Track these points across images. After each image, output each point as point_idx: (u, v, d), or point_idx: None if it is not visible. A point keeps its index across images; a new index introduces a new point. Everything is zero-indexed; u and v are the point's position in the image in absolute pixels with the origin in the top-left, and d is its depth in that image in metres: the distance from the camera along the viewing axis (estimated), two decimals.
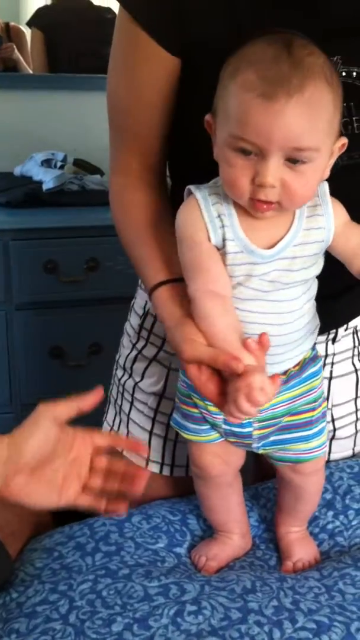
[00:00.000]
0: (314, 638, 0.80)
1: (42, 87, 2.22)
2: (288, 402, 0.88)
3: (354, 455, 1.14)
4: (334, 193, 0.81)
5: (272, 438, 0.90)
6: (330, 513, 1.02)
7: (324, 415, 0.93)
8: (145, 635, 0.80)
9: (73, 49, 2.33)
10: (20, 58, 2.31)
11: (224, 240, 0.78)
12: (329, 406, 1.09)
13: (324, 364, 1.07)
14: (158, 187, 0.96)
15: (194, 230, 0.79)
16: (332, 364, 1.08)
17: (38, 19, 2.31)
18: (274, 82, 0.68)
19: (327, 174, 0.78)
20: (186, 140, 0.92)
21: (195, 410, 0.90)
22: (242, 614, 0.83)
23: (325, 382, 1.08)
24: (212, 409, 0.87)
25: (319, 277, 0.84)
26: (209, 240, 0.79)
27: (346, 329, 1.07)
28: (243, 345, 0.75)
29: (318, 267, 0.83)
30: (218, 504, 0.98)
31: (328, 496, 1.04)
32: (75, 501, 0.77)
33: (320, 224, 0.79)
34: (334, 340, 1.06)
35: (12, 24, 2.31)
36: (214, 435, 0.91)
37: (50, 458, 0.74)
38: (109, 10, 2.22)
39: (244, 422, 0.86)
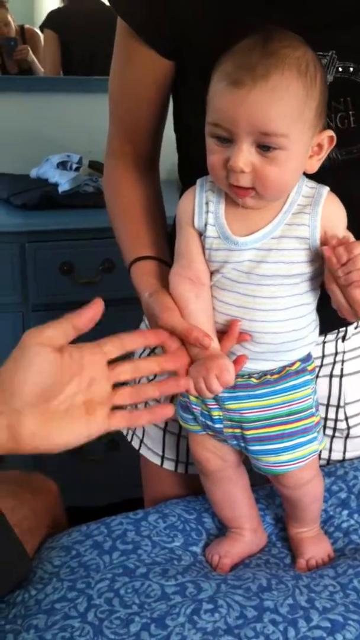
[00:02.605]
0: (328, 637, 0.80)
1: (57, 90, 2.24)
2: (258, 411, 0.88)
3: None
4: (334, 189, 0.82)
5: (243, 446, 0.91)
6: (345, 512, 1.03)
7: (304, 430, 0.89)
8: (162, 634, 0.81)
9: (87, 50, 2.36)
10: (35, 60, 2.33)
11: (205, 224, 0.82)
12: (342, 404, 1.09)
13: (334, 362, 1.07)
14: (148, 172, 1.02)
15: (183, 213, 0.85)
16: (343, 361, 1.08)
17: (51, 21, 2.34)
18: (242, 69, 0.72)
19: (314, 167, 0.80)
20: (185, 139, 0.96)
21: (183, 400, 0.93)
22: (257, 612, 0.84)
23: (336, 380, 1.08)
24: (192, 399, 0.90)
25: None
26: (193, 223, 0.83)
27: (356, 327, 1.08)
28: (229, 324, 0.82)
29: (306, 267, 0.82)
30: (223, 499, 0.99)
31: (343, 495, 1.05)
32: (109, 425, 0.68)
33: (304, 221, 0.80)
34: (343, 339, 1.07)
35: (26, 26, 2.33)
36: (197, 426, 0.93)
37: (57, 388, 0.65)
38: None
39: (215, 418, 0.90)
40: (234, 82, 0.72)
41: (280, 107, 0.73)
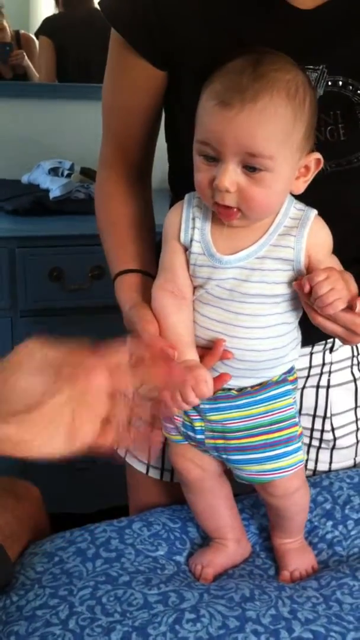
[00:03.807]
0: None
1: (51, 96, 2.24)
2: (240, 421, 0.88)
3: (355, 465, 1.15)
4: (324, 199, 0.82)
5: (225, 457, 0.91)
6: (330, 523, 1.03)
7: (288, 440, 0.89)
8: None
9: (82, 57, 2.35)
10: (30, 65, 2.33)
11: (191, 240, 0.83)
12: (328, 415, 1.10)
13: (321, 373, 1.08)
14: (139, 183, 1.03)
15: (169, 227, 0.86)
16: (330, 372, 1.09)
17: (47, 28, 2.33)
18: (232, 91, 0.74)
19: (300, 188, 0.81)
20: (181, 151, 0.96)
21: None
22: (239, 622, 0.84)
23: (323, 391, 1.09)
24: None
25: None
26: (179, 238, 0.84)
27: None
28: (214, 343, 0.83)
29: (288, 288, 0.82)
30: (205, 510, 0.99)
31: (328, 506, 1.05)
32: (96, 441, 0.65)
33: (289, 244, 0.81)
34: (331, 350, 1.07)
35: (22, 32, 2.33)
36: (179, 436, 0.94)
37: (46, 397, 0.63)
38: None
39: (197, 429, 0.90)
40: (223, 103, 0.73)
41: (268, 129, 0.74)
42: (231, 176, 0.75)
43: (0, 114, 2.17)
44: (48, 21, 2.34)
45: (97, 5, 2.29)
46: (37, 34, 2.33)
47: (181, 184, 0.87)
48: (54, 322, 1.80)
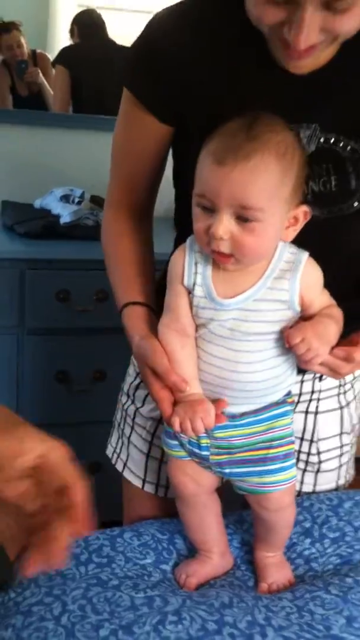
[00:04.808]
0: None
1: (65, 126, 2.33)
2: (243, 437, 0.96)
3: (337, 488, 1.22)
4: (320, 242, 0.90)
5: (228, 470, 0.99)
6: (308, 540, 1.10)
7: (285, 456, 0.98)
8: None
9: (96, 87, 2.43)
10: (45, 83, 2.41)
11: (194, 284, 0.91)
12: (315, 439, 1.17)
13: (310, 400, 1.16)
14: (143, 222, 1.12)
15: (173, 270, 0.94)
16: (319, 400, 1.17)
17: (63, 58, 2.41)
18: (227, 150, 0.82)
19: (290, 236, 0.90)
20: (185, 195, 1.06)
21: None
22: (217, 626, 0.91)
23: (311, 417, 1.17)
24: None
25: None
26: (183, 282, 0.92)
27: None
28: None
29: (283, 323, 0.90)
30: (195, 523, 1.06)
31: (307, 525, 1.12)
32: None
33: (284, 286, 0.89)
34: (320, 378, 1.15)
35: (38, 51, 2.40)
36: (182, 452, 1.01)
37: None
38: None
39: (203, 446, 0.97)
40: (219, 161, 0.82)
41: (258, 185, 0.82)
42: (225, 226, 0.83)
43: (18, 140, 2.26)
44: (65, 51, 2.42)
45: (111, 37, 2.41)
46: (54, 63, 2.41)
47: (186, 225, 0.95)
48: (59, 340, 1.89)
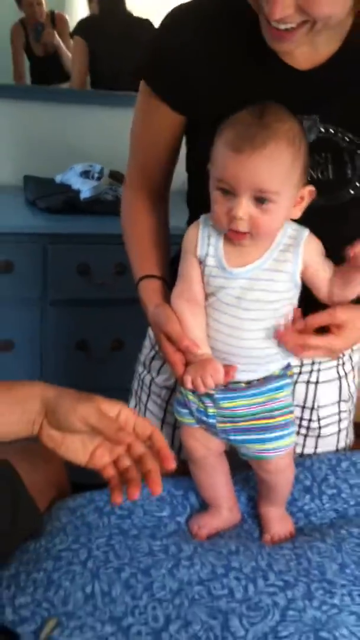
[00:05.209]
0: (281, 592, 0.99)
1: (85, 102, 2.40)
2: (247, 408, 1.06)
3: (337, 452, 1.33)
4: (319, 227, 1.00)
5: (232, 437, 1.09)
6: (308, 497, 1.22)
7: (285, 425, 1.07)
8: (147, 581, 1.01)
9: (114, 63, 2.45)
10: (61, 44, 2.45)
11: (206, 255, 1.01)
12: (315, 407, 1.28)
13: (311, 371, 1.26)
14: (159, 203, 1.21)
15: (187, 243, 1.04)
16: (319, 371, 1.27)
17: (81, 29, 2.44)
18: (243, 140, 0.91)
19: (296, 214, 0.99)
20: (198, 179, 1.15)
21: (181, 397, 1.11)
22: (225, 570, 1.03)
23: (312, 387, 1.27)
24: (191, 397, 1.08)
25: (305, 303, 1.03)
26: (196, 253, 1.01)
27: None
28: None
29: (286, 294, 1.00)
30: (206, 482, 1.18)
31: (307, 483, 1.23)
32: (102, 470, 0.90)
33: (288, 258, 0.99)
34: None
35: (57, 11, 2.44)
36: (192, 419, 1.11)
37: (89, 434, 0.88)
38: (147, 21, 2.32)
39: (210, 415, 1.07)
40: (237, 149, 0.91)
41: (274, 170, 0.92)
42: (244, 208, 0.93)
43: (40, 117, 2.34)
44: (83, 22, 2.44)
45: (131, 10, 2.40)
46: (72, 34, 2.44)
47: (198, 207, 1.04)
48: (80, 311, 1.99)
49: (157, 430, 0.89)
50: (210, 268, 1.01)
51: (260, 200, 0.93)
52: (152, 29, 2.22)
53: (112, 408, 0.88)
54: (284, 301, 1.01)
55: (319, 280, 1.00)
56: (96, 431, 0.86)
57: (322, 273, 1.00)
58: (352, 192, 1.05)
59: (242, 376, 1.04)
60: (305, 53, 1.00)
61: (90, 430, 0.86)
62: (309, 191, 0.98)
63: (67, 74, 2.51)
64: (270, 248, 0.99)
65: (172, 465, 0.87)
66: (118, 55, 2.44)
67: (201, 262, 1.02)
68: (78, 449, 0.90)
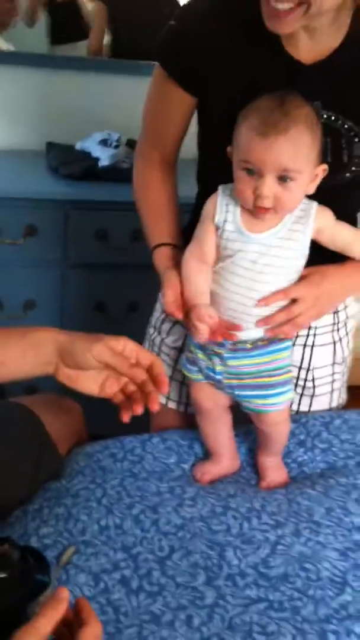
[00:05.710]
0: (272, 530, 1.13)
1: (104, 71, 2.46)
2: (251, 366, 1.17)
3: (330, 410, 1.45)
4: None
5: (237, 392, 1.21)
6: (302, 449, 1.34)
7: (284, 383, 1.19)
8: (154, 517, 1.15)
9: (135, 28, 2.49)
10: None
11: (225, 221, 1.11)
12: (311, 368, 1.39)
13: (308, 335, 1.37)
14: (169, 173, 1.31)
15: (206, 211, 1.14)
16: (315, 335, 1.37)
17: None
18: (268, 125, 1.01)
19: (311, 190, 1.09)
20: (209, 157, 1.26)
21: (191, 355, 1.22)
22: (223, 509, 1.17)
23: (308, 349, 1.38)
24: (200, 356, 1.20)
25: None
26: (214, 219, 1.11)
27: None
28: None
29: (296, 261, 1.12)
30: (210, 432, 1.31)
31: (302, 437, 1.36)
32: (112, 397, 1.01)
33: (299, 228, 1.10)
34: None
35: None
36: (201, 376, 1.23)
37: (99, 370, 0.99)
38: None
39: (217, 371, 1.19)
40: (262, 134, 1.01)
41: (297, 152, 1.02)
42: (269, 186, 1.04)
43: (60, 85, 2.41)
44: None
45: None
46: None
47: (208, 183, 1.15)
48: (98, 274, 2.10)
49: (157, 359, 1.00)
50: (229, 232, 1.11)
51: (283, 178, 1.03)
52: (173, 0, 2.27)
53: (118, 343, 0.98)
54: (293, 268, 1.12)
55: (341, 239, 1.13)
56: (109, 367, 0.97)
57: (341, 233, 1.12)
58: (348, 175, 1.15)
59: (251, 334, 1.15)
60: (308, 46, 1.09)
61: (104, 366, 0.97)
62: (323, 169, 1.09)
63: (85, 30, 2.54)
64: (284, 219, 1.10)
65: (166, 389, 0.99)
66: (139, 23, 2.48)
67: (218, 228, 1.12)
68: (91, 383, 1.00)
